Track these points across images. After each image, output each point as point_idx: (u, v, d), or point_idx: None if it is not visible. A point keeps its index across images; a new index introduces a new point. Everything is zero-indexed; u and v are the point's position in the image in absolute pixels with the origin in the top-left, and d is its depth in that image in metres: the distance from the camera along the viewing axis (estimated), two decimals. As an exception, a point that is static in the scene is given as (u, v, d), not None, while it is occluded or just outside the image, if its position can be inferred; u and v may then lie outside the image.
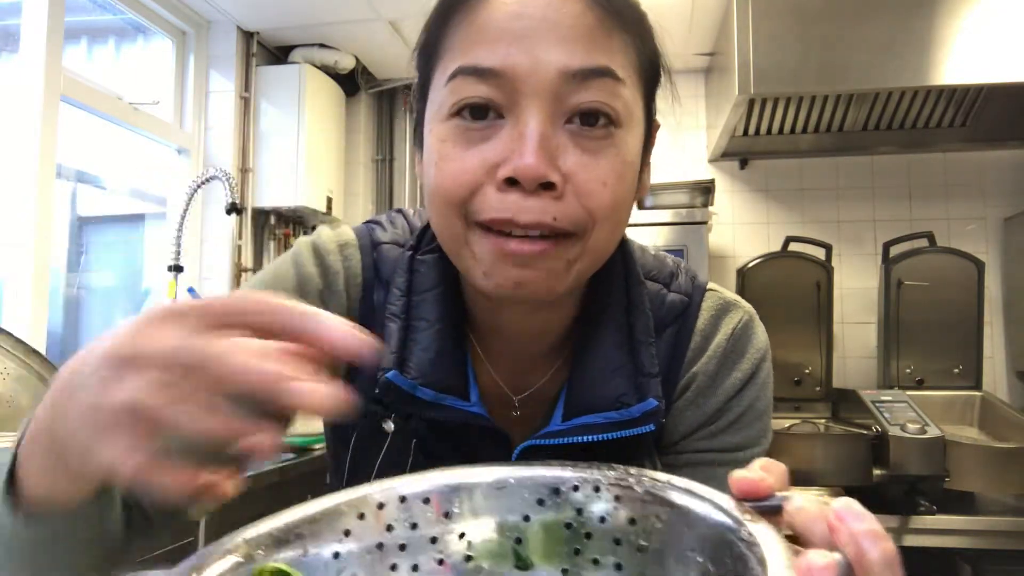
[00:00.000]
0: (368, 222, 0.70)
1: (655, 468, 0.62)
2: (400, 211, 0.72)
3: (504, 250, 0.52)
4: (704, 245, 2.36)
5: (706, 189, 2.51)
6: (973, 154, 2.82)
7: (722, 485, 0.60)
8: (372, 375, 0.59)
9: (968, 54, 2.22)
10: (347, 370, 0.63)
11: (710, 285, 0.68)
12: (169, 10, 2.63)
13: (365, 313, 0.65)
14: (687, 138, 3.09)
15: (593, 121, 0.52)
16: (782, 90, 2.33)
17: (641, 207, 2.57)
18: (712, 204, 2.53)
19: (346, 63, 3.00)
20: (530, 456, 0.60)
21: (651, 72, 0.57)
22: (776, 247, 2.88)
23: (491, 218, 0.52)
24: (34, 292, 2.04)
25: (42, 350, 1.87)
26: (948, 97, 2.52)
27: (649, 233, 2.39)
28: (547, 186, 0.51)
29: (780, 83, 2.29)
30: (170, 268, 2.42)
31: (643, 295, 0.63)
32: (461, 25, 0.53)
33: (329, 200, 3.02)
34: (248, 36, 2.87)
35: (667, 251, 2.39)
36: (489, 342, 0.65)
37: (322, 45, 2.95)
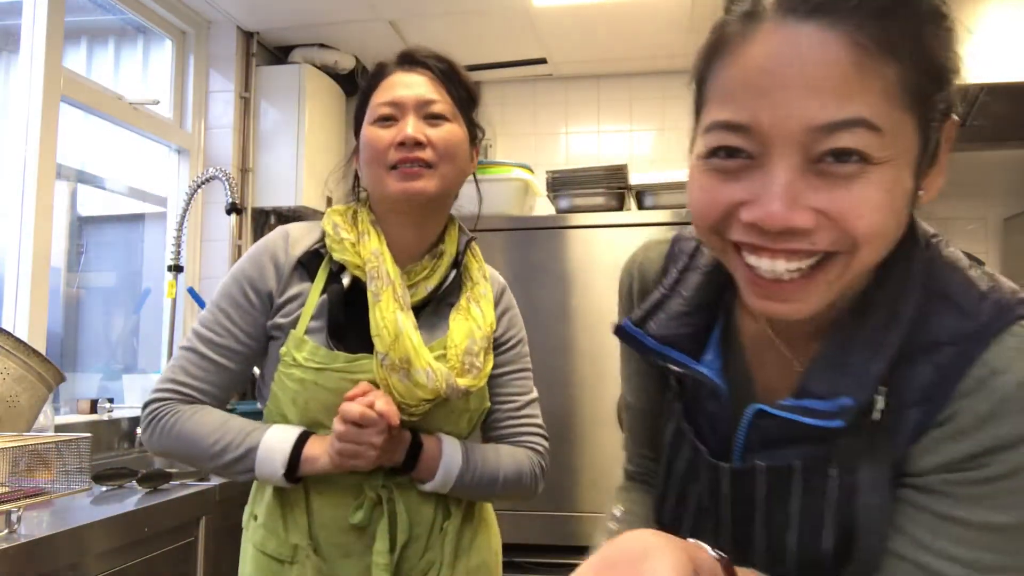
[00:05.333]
0: None
1: (879, 470, 0.60)
2: None
3: (754, 280, 0.57)
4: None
5: (706, 189, 2.51)
6: (973, 154, 2.82)
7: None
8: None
9: (968, 54, 2.22)
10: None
11: None
12: (169, 10, 2.63)
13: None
14: (687, 138, 3.08)
15: (845, 157, 0.52)
16: (782, 90, 2.33)
17: (641, 207, 2.58)
18: (712, 204, 2.52)
19: (346, 63, 3.00)
20: (762, 421, 0.64)
21: (929, 83, 0.55)
22: (776, 247, 2.88)
23: (740, 240, 0.57)
24: (34, 292, 2.04)
25: (42, 350, 1.87)
26: (948, 97, 2.52)
27: (649, 233, 2.39)
28: (795, 234, 0.54)
29: (780, 83, 2.28)
30: (170, 268, 2.42)
31: (910, 305, 0.60)
32: (720, 73, 0.57)
33: (329, 200, 3.02)
34: (248, 36, 2.87)
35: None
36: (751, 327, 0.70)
37: (322, 45, 2.95)
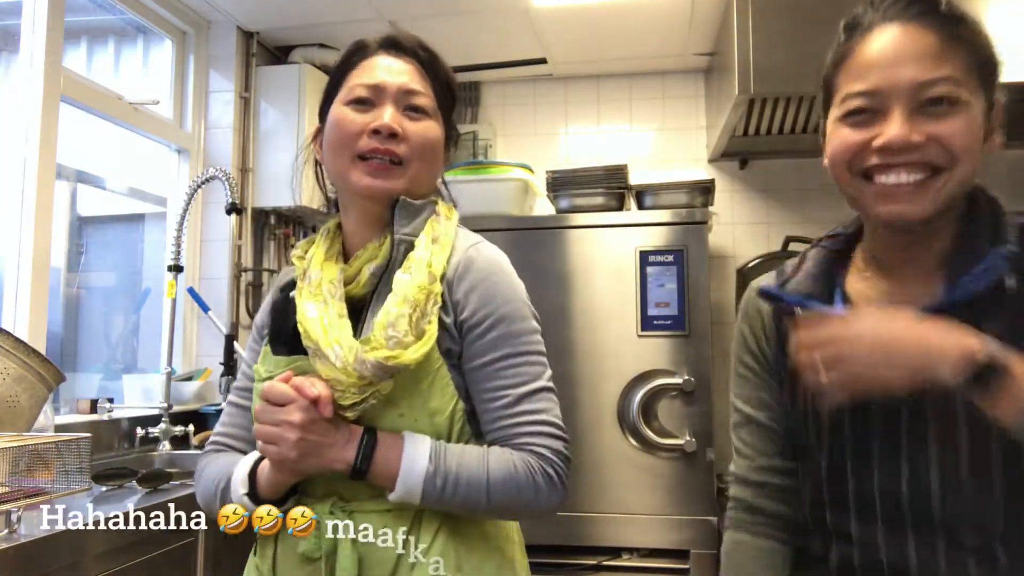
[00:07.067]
0: None
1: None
2: None
3: (882, 192, 0.84)
4: (704, 245, 2.36)
5: (706, 189, 2.51)
6: (973, 154, 2.82)
7: None
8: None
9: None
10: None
11: None
12: (169, 10, 2.63)
13: None
14: (687, 138, 3.09)
15: (939, 103, 0.81)
16: (782, 90, 2.33)
17: (641, 207, 2.58)
18: (712, 204, 2.53)
19: (346, 63, 3.00)
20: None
21: (986, 65, 0.85)
22: (776, 247, 2.88)
23: (871, 164, 0.84)
24: (34, 292, 2.04)
25: (42, 350, 1.87)
26: (948, 97, 2.52)
27: (649, 233, 2.39)
28: (912, 149, 0.81)
29: (780, 83, 2.29)
30: (170, 268, 2.42)
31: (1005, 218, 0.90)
32: (847, 66, 0.88)
33: (328, 199, 3.01)
34: (248, 36, 2.87)
35: (667, 251, 2.31)
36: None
37: (322, 45, 2.95)
